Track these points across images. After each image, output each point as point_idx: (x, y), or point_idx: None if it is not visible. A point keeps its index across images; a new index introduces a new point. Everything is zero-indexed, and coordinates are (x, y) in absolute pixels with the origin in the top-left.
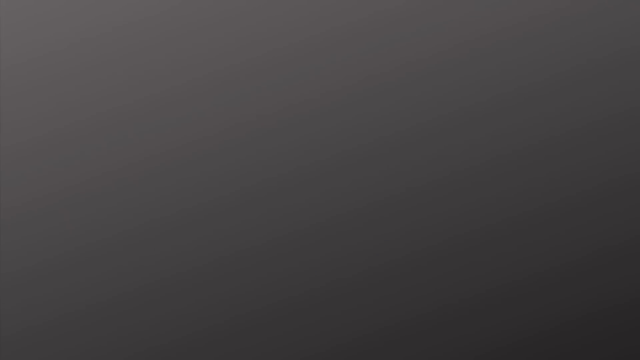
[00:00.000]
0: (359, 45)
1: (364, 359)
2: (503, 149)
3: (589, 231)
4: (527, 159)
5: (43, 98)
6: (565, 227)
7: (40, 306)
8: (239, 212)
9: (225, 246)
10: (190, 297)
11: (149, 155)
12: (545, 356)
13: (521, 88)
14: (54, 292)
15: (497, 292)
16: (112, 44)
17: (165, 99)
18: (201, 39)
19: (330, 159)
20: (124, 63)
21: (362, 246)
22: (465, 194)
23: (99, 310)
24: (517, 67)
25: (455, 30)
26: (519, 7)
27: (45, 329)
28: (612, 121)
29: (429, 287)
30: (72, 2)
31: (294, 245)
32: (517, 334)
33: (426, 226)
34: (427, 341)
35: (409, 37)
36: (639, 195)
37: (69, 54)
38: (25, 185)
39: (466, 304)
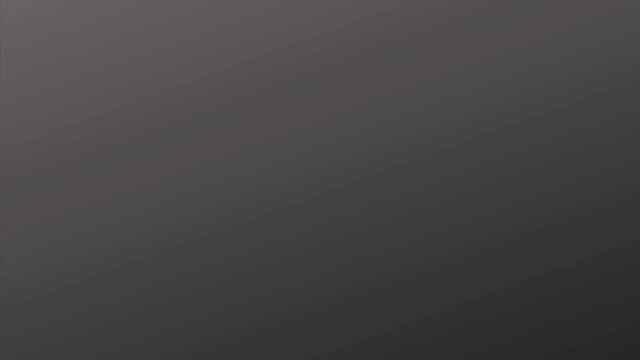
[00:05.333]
0: (371, 58)
1: None
2: (518, 163)
3: (599, 249)
4: (543, 173)
5: (48, 111)
6: (576, 244)
7: (45, 323)
8: (250, 226)
9: (237, 261)
10: (199, 313)
11: (160, 168)
12: None
13: (531, 103)
14: (63, 307)
15: (507, 310)
16: (120, 56)
17: (175, 111)
18: (213, 50)
19: (341, 173)
20: (131, 74)
21: (373, 262)
22: (480, 208)
23: (110, 325)
24: (527, 81)
25: (465, 44)
26: (529, 21)
27: (49, 346)
28: (628, 135)
29: (439, 304)
30: (78, 14)
31: (304, 261)
32: (526, 353)
33: (442, 240)
34: (446, 356)
35: (418, 50)
36: None
37: (75, 65)
38: (37, 198)
39: (476, 322)
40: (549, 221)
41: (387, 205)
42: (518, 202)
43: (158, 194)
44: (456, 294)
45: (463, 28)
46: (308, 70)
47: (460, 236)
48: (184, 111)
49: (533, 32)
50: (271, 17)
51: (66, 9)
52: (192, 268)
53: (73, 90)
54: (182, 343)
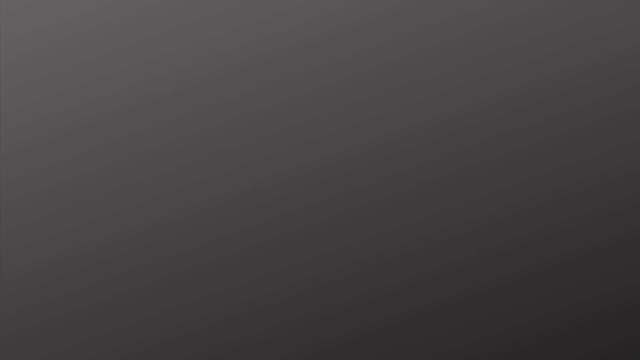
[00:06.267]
0: (358, 44)
1: (361, 356)
2: (501, 147)
3: (584, 231)
4: (526, 157)
5: (43, 97)
6: (562, 225)
7: (39, 305)
8: (237, 210)
9: (225, 244)
10: (190, 294)
11: (148, 153)
12: (543, 355)
13: (518, 87)
14: (53, 290)
15: (496, 290)
16: (110, 44)
17: (165, 97)
18: (199, 38)
19: (329, 157)
20: (123, 61)
21: (361, 243)
22: (465, 191)
23: (99, 308)
24: (513, 67)
25: (455, 28)
26: (516, 7)
27: (45, 327)
28: (614, 120)
29: (427, 285)
30: (71, 2)
31: (292, 243)
32: (513, 332)
33: (423, 224)
34: (426, 340)
35: (409, 36)
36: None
37: (69, 53)
38: (26, 183)
39: (463, 303)
40: (535, 204)
41: (368, 191)
42: (500, 186)
43: (145, 179)
44: (439, 276)
45: (447, 14)
46: (288, 61)
47: (443, 219)
48: (172, 97)
49: (513, 20)
50: (258, 7)
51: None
52: (181, 251)
53: (67, 76)
54: (175, 323)
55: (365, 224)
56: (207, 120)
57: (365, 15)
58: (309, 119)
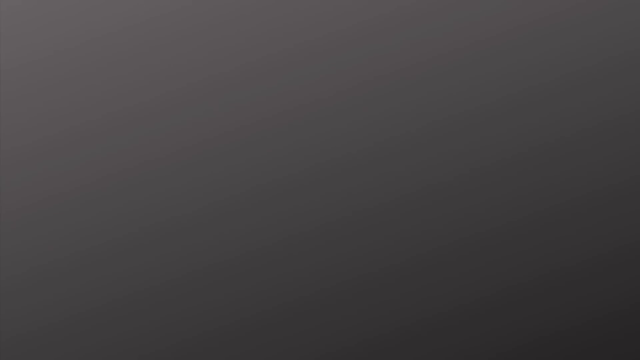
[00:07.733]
0: (360, 48)
1: None
2: (506, 152)
3: (592, 234)
4: (530, 162)
5: (44, 100)
6: (569, 230)
7: (42, 309)
8: (242, 215)
9: (229, 249)
10: (194, 300)
11: (150, 158)
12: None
13: (524, 90)
14: (56, 295)
15: (500, 295)
16: (114, 47)
17: (167, 102)
18: (204, 41)
19: (334, 162)
20: (124, 65)
21: (366, 249)
22: (469, 196)
23: (103, 313)
24: (520, 69)
25: (459, 32)
26: (523, 9)
27: (46, 332)
28: (616, 123)
29: (433, 290)
30: (73, 4)
31: (298, 248)
32: (520, 337)
33: (430, 229)
34: (431, 344)
35: (412, 39)
36: None
37: (69, 57)
38: (28, 188)
39: (470, 308)
40: (535, 209)
41: (374, 195)
42: (506, 191)
43: (148, 184)
44: (443, 282)
45: (454, 17)
46: (292, 64)
47: (448, 224)
48: (174, 102)
49: (521, 22)
50: (259, 11)
51: (55, 2)
52: (185, 256)
53: (69, 80)
54: (175, 329)
55: (372, 228)
56: (209, 124)
57: (370, 17)
58: (316, 122)
